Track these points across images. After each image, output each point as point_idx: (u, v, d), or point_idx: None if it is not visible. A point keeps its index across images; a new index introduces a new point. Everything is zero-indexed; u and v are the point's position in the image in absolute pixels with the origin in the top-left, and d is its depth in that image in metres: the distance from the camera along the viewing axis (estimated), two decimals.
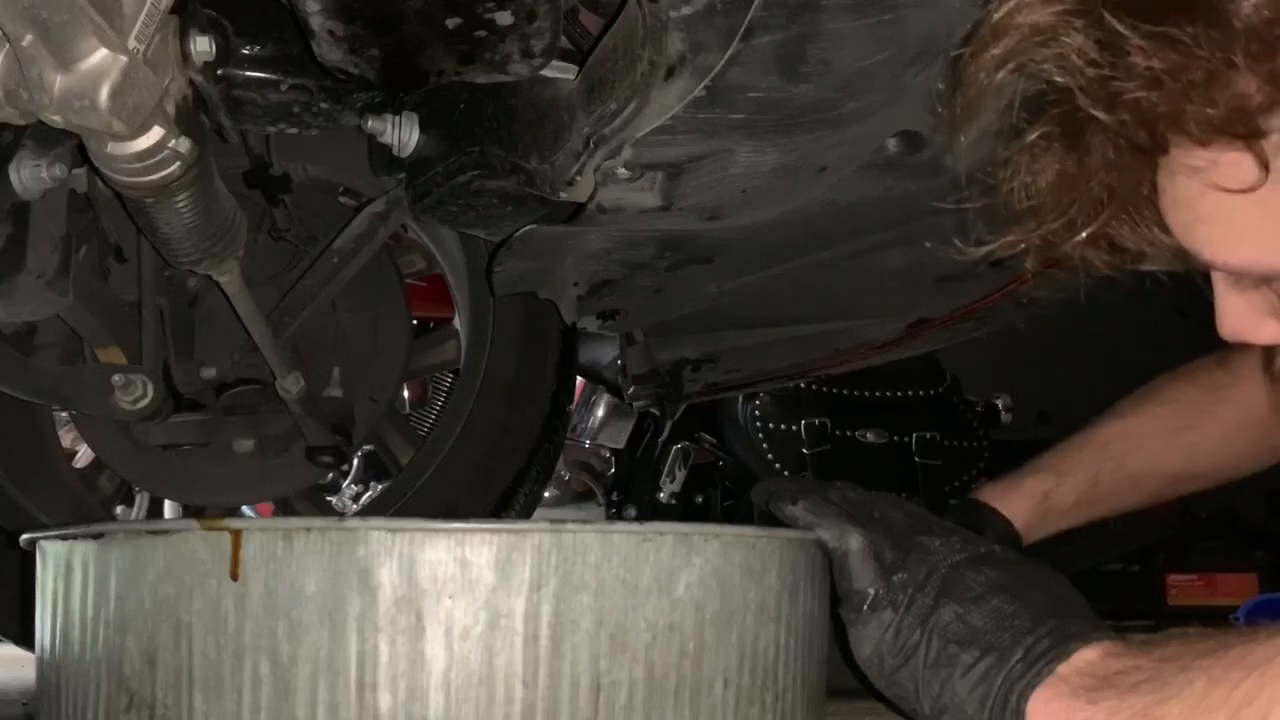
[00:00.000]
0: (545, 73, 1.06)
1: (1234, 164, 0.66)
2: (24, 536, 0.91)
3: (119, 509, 1.99)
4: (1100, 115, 0.67)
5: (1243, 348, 1.24)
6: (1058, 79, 0.69)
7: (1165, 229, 0.75)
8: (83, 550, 0.83)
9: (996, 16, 0.70)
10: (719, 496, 2.55)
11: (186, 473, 1.53)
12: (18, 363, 1.36)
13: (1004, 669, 0.82)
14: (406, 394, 2.36)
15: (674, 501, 2.52)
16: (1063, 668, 0.80)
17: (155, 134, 0.94)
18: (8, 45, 0.83)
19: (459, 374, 1.71)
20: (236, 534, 0.77)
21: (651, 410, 2.51)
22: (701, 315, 1.45)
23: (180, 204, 1.03)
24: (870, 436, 2.43)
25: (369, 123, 1.17)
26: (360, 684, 0.75)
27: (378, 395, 1.55)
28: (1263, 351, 1.25)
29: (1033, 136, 0.74)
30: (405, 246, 1.70)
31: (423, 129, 1.17)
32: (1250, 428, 1.25)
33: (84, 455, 1.80)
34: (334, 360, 1.49)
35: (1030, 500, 1.23)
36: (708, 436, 2.52)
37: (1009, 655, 0.82)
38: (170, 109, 0.95)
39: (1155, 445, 1.27)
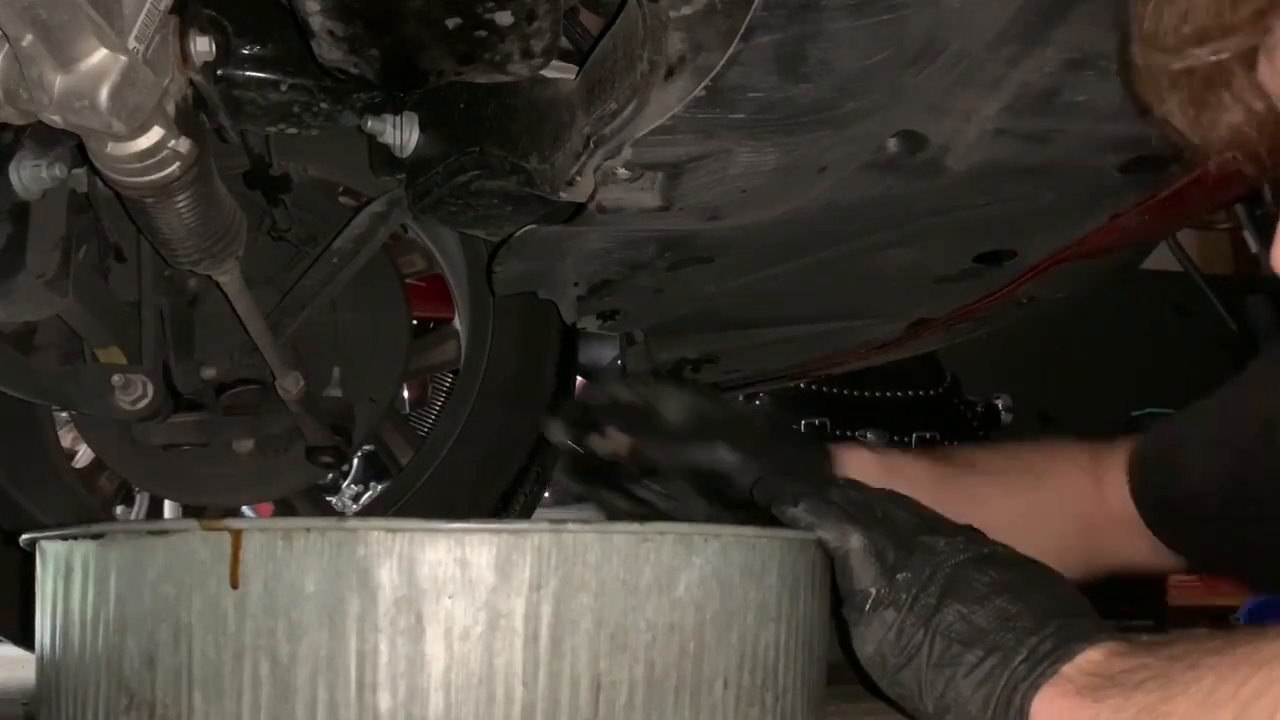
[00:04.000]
0: (545, 73, 1.06)
1: None
2: (24, 536, 0.91)
3: (119, 509, 1.99)
4: None
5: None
6: None
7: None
8: (83, 550, 0.83)
9: None
10: None
11: (186, 473, 1.53)
12: (18, 363, 1.35)
13: (1008, 669, 0.82)
14: (406, 394, 2.36)
15: None
16: (1067, 668, 0.80)
17: (155, 134, 0.94)
18: (8, 45, 0.83)
19: (459, 374, 1.71)
20: (236, 534, 0.77)
21: None
22: (701, 315, 1.45)
23: (180, 204, 1.03)
24: (870, 436, 2.43)
25: (369, 123, 1.17)
26: (360, 684, 0.75)
27: (378, 395, 1.55)
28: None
29: None
30: (405, 246, 1.70)
31: (423, 129, 1.17)
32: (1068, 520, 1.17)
33: (84, 455, 1.80)
34: (334, 360, 1.49)
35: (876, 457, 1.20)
36: None
37: (1013, 655, 0.82)
38: (170, 109, 0.95)
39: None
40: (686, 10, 0.86)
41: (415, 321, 1.66)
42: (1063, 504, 1.16)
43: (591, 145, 1.02)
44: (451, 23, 0.97)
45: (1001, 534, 0.99)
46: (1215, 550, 1.12)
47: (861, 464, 1.17)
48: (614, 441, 1.14)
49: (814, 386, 2.41)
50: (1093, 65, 0.99)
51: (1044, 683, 0.80)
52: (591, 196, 1.06)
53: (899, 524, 0.90)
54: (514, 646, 0.76)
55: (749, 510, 0.97)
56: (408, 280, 1.64)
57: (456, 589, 0.76)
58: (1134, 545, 1.16)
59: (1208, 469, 1.08)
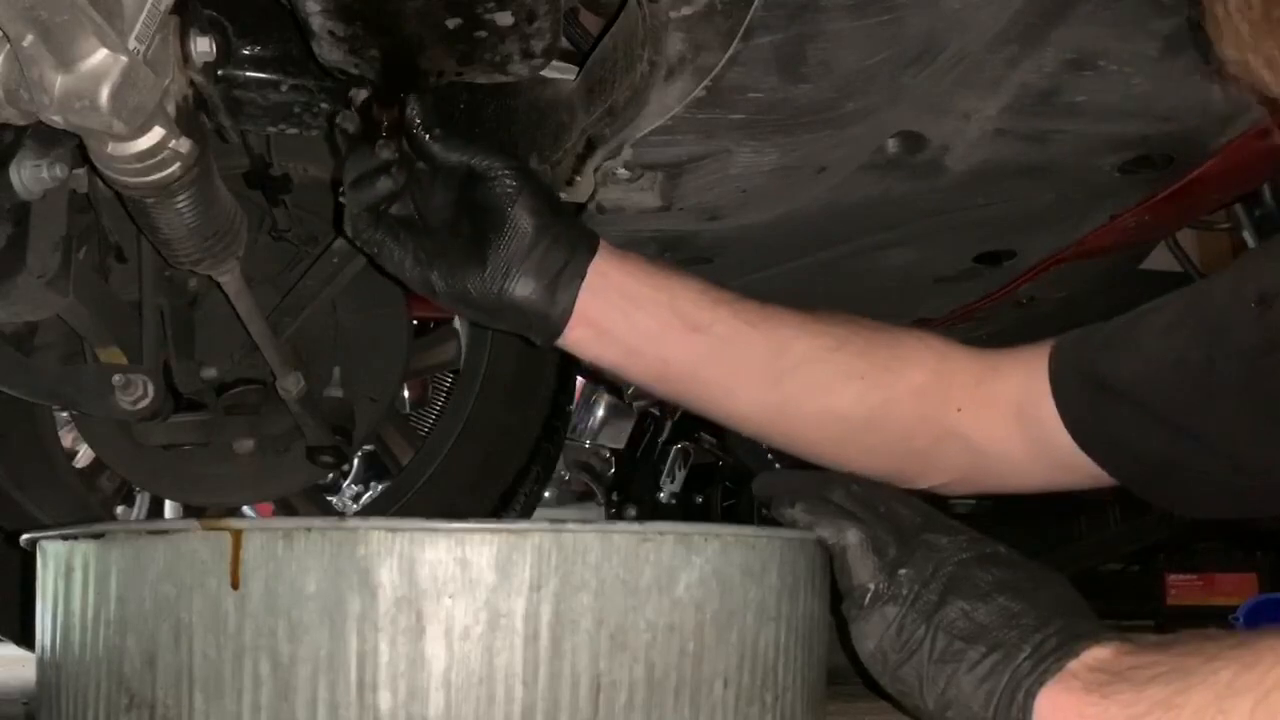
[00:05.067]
0: (545, 73, 1.06)
1: None
2: (24, 536, 0.91)
3: (119, 509, 1.99)
4: None
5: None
6: None
7: None
8: (83, 550, 0.83)
9: None
10: (719, 496, 2.55)
11: (187, 473, 1.53)
12: (18, 363, 1.35)
13: (1011, 665, 0.82)
14: (406, 394, 2.36)
15: (674, 501, 2.52)
16: (1072, 665, 0.80)
17: (155, 134, 0.94)
18: (8, 45, 0.83)
19: (459, 374, 1.71)
20: (237, 534, 0.77)
21: (652, 410, 2.51)
22: None
23: (180, 204, 1.03)
24: None
25: None
26: (360, 684, 0.75)
27: (378, 395, 1.55)
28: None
29: None
30: None
31: None
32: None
33: (84, 455, 1.80)
34: (334, 360, 1.49)
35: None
36: (708, 436, 2.52)
37: (1016, 652, 0.82)
38: (170, 109, 0.95)
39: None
40: (686, 10, 0.86)
41: (415, 321, 1.66)
42: (918, 401, 1.04)
43: (591, 145, 1.02)
44: (452, 23, 0.97)
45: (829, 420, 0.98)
46: (1148, 442, 1.00)
47: (610, 268, 1.02)
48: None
49: None
50: (1092, 65, 0.99)
51: (1048, 679, 0.80)
52: (592, 196, 1.06)
53: (902, 521, 0.90)
54: (514, 646, 0.76)
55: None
56: None
57: (457, 589, 0.76)
58: (1013, 455, 1.05)
59: (1169, 347, 0.99)
